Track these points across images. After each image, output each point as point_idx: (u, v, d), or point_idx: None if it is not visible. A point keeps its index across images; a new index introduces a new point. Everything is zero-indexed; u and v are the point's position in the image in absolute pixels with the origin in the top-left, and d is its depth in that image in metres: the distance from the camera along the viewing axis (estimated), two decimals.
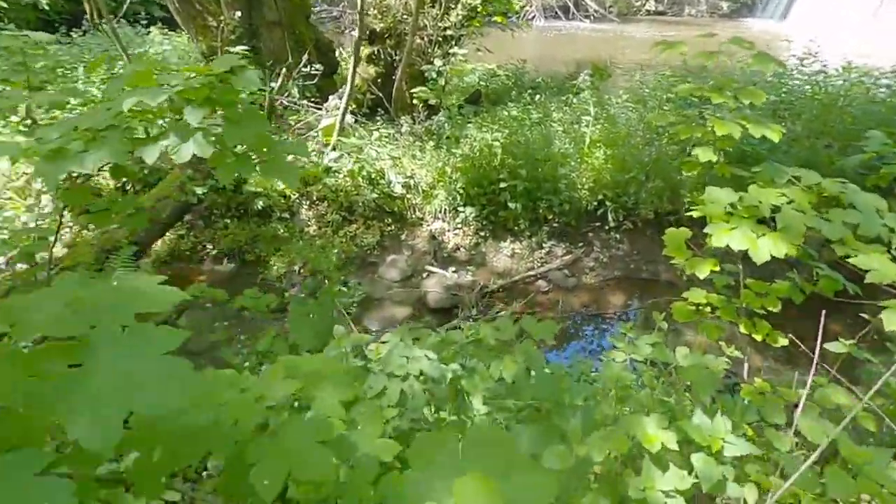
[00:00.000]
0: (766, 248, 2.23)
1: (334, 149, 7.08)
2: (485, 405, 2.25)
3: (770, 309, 2.60)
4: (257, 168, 2.27)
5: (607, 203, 6.76)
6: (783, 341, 2.56)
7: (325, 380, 1.50)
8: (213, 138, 2.20)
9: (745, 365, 2.79)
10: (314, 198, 6.94)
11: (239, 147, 2.23)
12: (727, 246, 2.29)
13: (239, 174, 2.23)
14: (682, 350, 2.75)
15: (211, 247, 6.66)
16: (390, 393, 1.91)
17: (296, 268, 6.37)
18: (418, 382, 1.95)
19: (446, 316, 5.69)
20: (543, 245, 6.69)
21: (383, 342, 2.55)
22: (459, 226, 6.85)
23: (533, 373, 2.24)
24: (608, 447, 2.02)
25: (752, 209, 2.35)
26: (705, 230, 2.38)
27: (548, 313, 5.82)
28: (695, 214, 2.58)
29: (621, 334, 3.34)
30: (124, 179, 6.71)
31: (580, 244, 6.79)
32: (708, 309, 3.03)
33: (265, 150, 2.36)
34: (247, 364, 3.68)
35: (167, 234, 6.56)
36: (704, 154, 2.46)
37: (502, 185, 6.52)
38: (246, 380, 1.38)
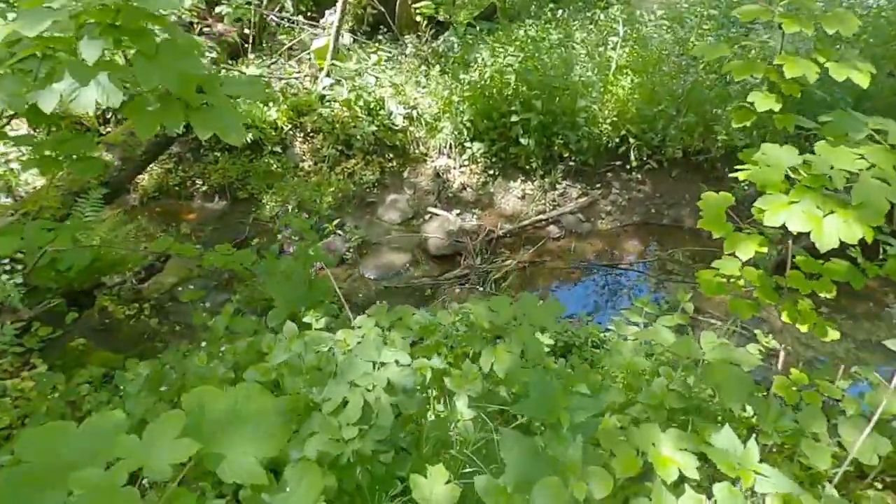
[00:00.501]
0: (833, 231, 1.74)
1: (328, 74, 6.39)
2: (470, 408, 1.91)
3: (823, 294, 2.14)
4: (191, 119, 1.80)
5: (630, 140, 6.09)
6: (834, 335, 2.13)
7: (243, 425, 1.13)
8: (127, 81, 1.71)
9: (781, 353, 2.39)
10: (308, 130, 6.37)
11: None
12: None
13: (163, 127, 1.76)
14: (708, 336, 2.34)
15: (200, 182, 6.24)
16: (351, 408, 1.55)
17: (289, 206, 5.96)
18: (386, 394, 1.59)
19: (448, 264, 5.32)
20: (557, 186, 6.14)
21: (356, 327, 2.18)
22: (466, 163, 6.29)
23: (526, 379, 1.87)
24: (616, 470, 1.69)
25: (819, 178, 1.83)
26: (756, 203, 1.88)
27: (558, 262, 5.42)
28: (740, 177, 2.06)
29: (637, 308, 2.94)
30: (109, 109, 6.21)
31: (597, 185, 6.22)
32: (741, 282, 2.58)
33: (204, 92, 1.87)
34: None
35: (154, 167, 6.14)
36: (764, 102, 1.91)
37: (514, 118, 5.86)
38: (125, 441, 1.01)
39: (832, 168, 1.82)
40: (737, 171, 2.07)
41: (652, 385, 2.41)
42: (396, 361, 1.69)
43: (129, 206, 6.18)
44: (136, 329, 4.03)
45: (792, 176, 1.92)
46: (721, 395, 2.05)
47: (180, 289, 4.97)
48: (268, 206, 5.93)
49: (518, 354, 2.13)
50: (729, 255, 2.18)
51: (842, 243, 1.76)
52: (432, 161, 6.37)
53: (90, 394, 3.01)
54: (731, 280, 2.57)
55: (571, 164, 6.18)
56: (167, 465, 0.99)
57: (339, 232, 5.50)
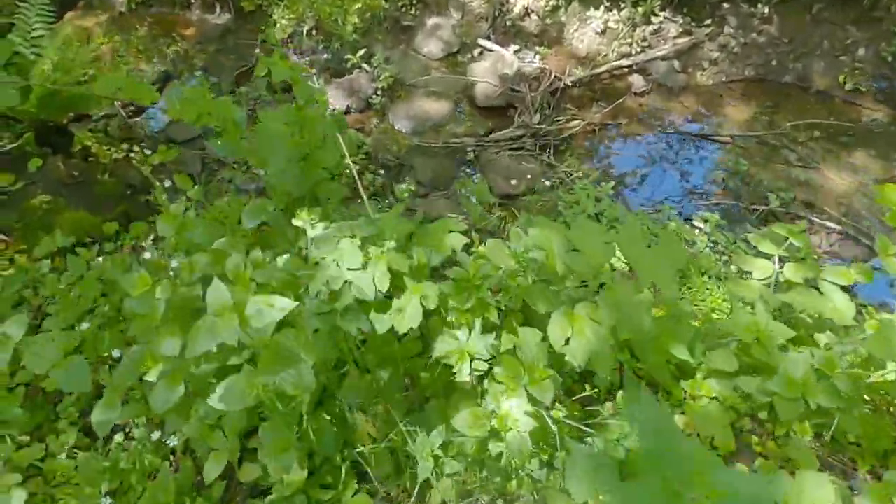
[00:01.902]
0: None
1: None
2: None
3: None
4: None
5: None
6: None
7: None
8: None
9: None
10: None
11: None
12: None
13: None
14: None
15: None
16: None
17: (304, 27, 4.75)
18: None
19: (498, 118, 4.26)
20: (652, 19, 4.64)
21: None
22: None
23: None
24: None
25: None
26: None
27: (636, 126, 4.27)
28: None
29: (776, 235, 2.02)
30: None
31: (706, 21, 4.67)
32: None
33: None
34: None
35: None
36: None
37: None
38: None
39: None
40: None
41: (790, 364, 1.65)
42: None
43: (115, 11, 5.08)
44: (120, 178, 3.37)
45: None
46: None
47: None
48: (279, 25, 4.74)
49: (608, 327, 1.35)
50: None
51: None
52: None
53: (50, 273, 2.48)
54: None
55: None
56: None
57: (366, 66, 4.38)
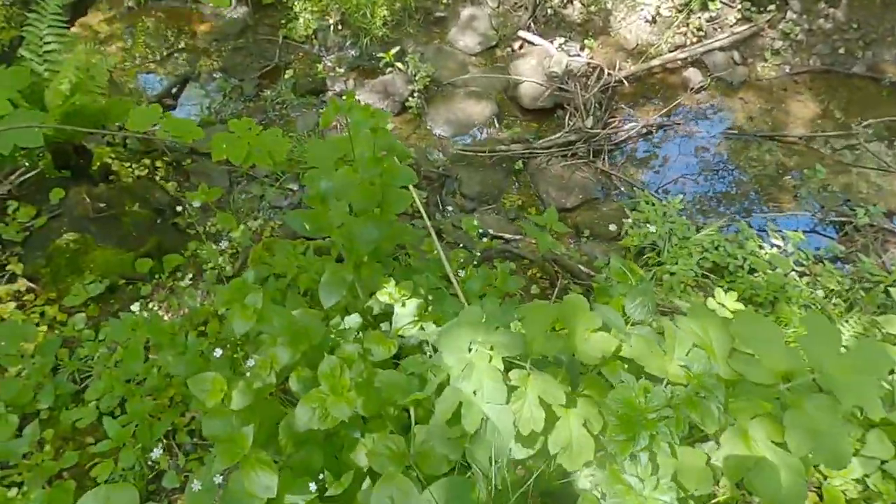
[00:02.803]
0: None
1: None
2: None
3: None
4: None
5: None
6: None
7: None
8: None
9: None
10: None
11: None
12: None
13: None
14: None
15: None
16: None
17: (330, 21, 4.39)
18: None
19: (546, 120, 3.94)
20: (708, 5, 4.26)
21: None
22: None
23: None
24: None
25: None
26: None
27: (693, 127, 3.94)
28: None
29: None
30: None
31: (768, 7, 4.29)
32: None
33: None
34: None
35: None
36: None
37: None
38: None
39: None
40: None
41: None
42: None
43: (122, 7, 4.71)
44: (147, 202, 3.09)
45: None
46: None
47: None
48: (301, 20, 4.37)
49: (799, 455, 1.10)
50: None
51: None
52: None
53: (84, 329, 2.23)
54: None
55: None
56: None
57: (399, 65, 4.03)
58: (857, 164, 3.64)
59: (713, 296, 2.11)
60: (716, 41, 4.23)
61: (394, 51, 4.03)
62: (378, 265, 1.72)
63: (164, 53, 4.40)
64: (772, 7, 4.26)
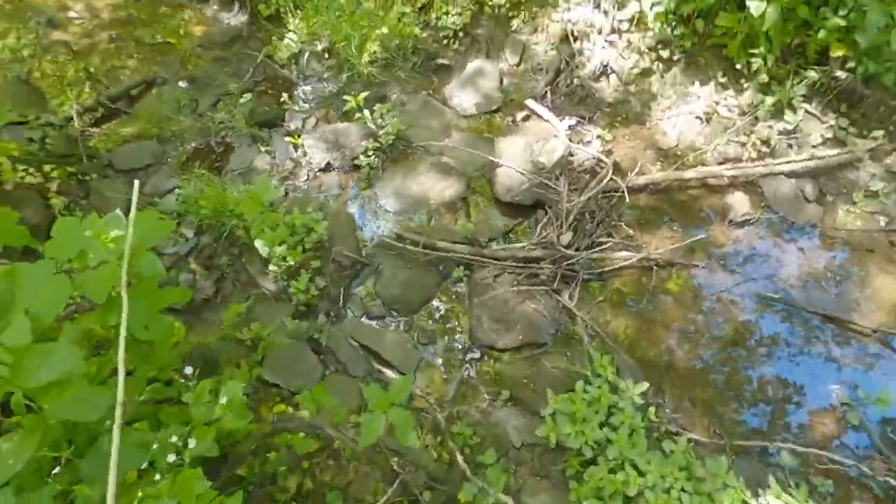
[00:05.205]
0: None
1: None
2: None
3: None
4: None
5: None
6: None
7: None
8: None
9: None
10: None
11: None
12: None
13: None
14: None
15: None
16: None
17: (318, 48, 3.80)
18: None
19: (520, 217, 3.05)
20: (787, 112, 3.14)
21: None
22: (625, 26, 3.40)
23: None
24: None
25: None
26: None
27: (718, 277, 2.84)
28: None
29: None
30: None
31: (874, 130, 3.08)
32: None
33: None
34: None
35: None
36: None
37: None
38: None
39: None
40: None
41: None
42: None
43: None
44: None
45: None
46: None
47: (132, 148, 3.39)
48: (284, 43, 3.83)
49: None
50: None
51: None
52: (565, 10, 3.55)
53: None
54: None
55: (839, 74, 3.02)
56: None
57: (367, 113, 3.32)
58: None
59: None
60: (785, 163, 3.09)
61: (363, 95, 3.33)
62: None
63: (147, 50, 4.05)
64: (880, 132, 3.05)
